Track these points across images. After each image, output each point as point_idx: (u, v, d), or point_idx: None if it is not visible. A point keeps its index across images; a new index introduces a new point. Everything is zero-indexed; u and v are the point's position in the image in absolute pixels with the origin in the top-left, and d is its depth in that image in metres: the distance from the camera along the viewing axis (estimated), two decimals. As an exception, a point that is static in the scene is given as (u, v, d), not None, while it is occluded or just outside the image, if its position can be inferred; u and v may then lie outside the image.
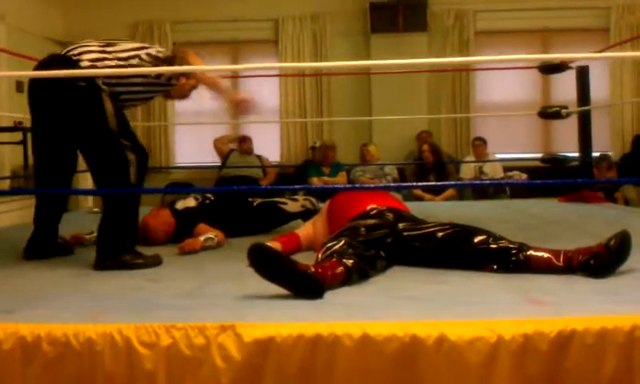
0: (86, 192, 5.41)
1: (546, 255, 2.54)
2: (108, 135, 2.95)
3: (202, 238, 3.42)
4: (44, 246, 3.22)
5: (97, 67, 2.95)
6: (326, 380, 1.85)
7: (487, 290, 2.31)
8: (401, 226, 2.81)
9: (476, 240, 2.64)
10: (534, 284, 2.36)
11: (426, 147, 7.66)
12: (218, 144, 8.00)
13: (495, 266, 2.56)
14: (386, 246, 2.72)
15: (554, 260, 2.52)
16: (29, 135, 6.78)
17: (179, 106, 8.69)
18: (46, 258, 3.14)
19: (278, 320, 1.92)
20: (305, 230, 3.35)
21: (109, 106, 2.94)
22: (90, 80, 2.91)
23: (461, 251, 2.66)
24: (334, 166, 7.87)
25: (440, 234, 2.72)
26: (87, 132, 2.99)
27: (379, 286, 2.43)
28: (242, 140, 7.97)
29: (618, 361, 1.81)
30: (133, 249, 3.05)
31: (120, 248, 2.96)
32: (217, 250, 3.41)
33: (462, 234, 2.70)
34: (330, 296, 2.26)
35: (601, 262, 2.43)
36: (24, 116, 5.61)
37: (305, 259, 2.49)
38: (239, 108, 3.24)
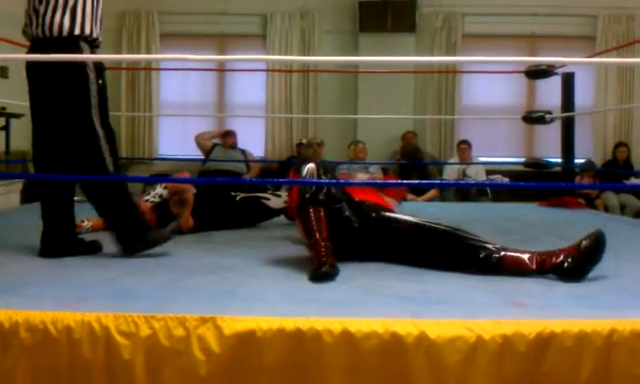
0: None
1: (519, 256, 2.56)
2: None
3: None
4: (61, 243, 2.96)
5: None
6: (305, 375, 1.85)
7: (468, 290, 2.32)
8: (386, 221, 2.82)
9: (454, 239, 2.66)
10: (514, 286, 2.37)
11: (398, 151, 7.69)
12: (199, 139, 7.95)
13: (471, 266, 2.58)
14: (370, 240, 2.75)
15: (528, 262, 2.54)
16: (12, 121, 6.72)
17: (164, 96, 8.65)
18: (66, 256, 2.90)
19: (258, 314, 1.91)
20: None
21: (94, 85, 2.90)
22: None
23: (440, 250, 2.67)
24: None
25: (421, 233, 2.73)
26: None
27: (361, 283, 2.42)
28: (225, 134, 7.93)
29: (596, 364, 1.83)
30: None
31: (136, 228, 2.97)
32: (198, 243, 3.39)
33: (441, 232, 2.71)
34: (311, 291, 2.26)
35: (572, 263, 2.44)
36: (8, 101, 5.57)
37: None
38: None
